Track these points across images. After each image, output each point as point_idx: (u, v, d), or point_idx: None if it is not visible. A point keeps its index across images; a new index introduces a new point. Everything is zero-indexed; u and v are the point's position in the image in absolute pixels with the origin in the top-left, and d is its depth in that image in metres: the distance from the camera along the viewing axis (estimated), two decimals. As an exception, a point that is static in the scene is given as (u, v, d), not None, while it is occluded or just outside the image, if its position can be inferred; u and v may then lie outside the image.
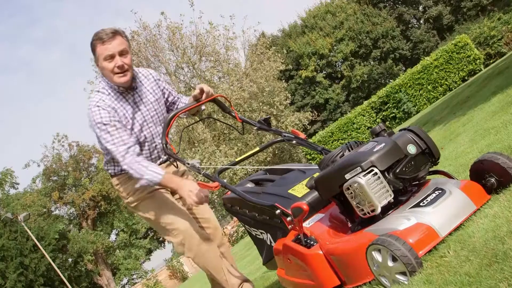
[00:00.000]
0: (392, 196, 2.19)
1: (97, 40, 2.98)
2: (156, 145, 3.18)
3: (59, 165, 34.54)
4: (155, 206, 3.13)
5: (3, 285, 24.14)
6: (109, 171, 3.23)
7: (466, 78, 21.14)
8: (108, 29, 3.01)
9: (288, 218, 2.49)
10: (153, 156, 3.18)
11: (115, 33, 3.00)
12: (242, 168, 18.81)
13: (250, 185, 3.18)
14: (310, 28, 38.69)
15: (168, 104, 3.36)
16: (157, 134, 3.17)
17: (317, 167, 2.69)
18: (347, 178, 2.20)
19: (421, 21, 39.46)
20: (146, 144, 3.13)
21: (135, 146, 3.01)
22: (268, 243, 2.95)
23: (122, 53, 2.99)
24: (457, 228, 2.09)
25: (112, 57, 2.97)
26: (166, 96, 3.33)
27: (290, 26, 40.09)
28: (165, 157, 3.25)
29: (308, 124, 27.18)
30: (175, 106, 3.37)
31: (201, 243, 3.09)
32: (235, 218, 4.03)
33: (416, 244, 1.98)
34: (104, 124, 2.94)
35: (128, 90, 3.09)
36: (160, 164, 3.22)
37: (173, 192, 3.23)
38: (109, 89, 3.05)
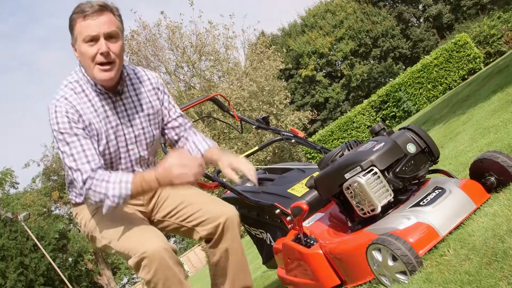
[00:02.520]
0: (392, 195, 2.19)
1: (78, 13, 2.12)
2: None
3: (59, 164, 34.53)
4: (112, 226, 2.23)
5: (3, 284, 24.13)
6: (73, 197, 2.38)
7: (466, 76, 21.15)
8: (96, 1, 2.14)
9: (288, 218, 2.49)
10: None
11: (104, 7, 2.13)
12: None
13: (249, 184, 3.17)
14: (310, 27, 38.70)
15: (164, 125, 2.44)
16: (137, 161, 2.32)
17: (317, 167, 2.68)
18: (346, 177, 2.20)
19: (421, 20, 39.48)
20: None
21: (102, 168, 2.14)
22: (268, 242, 2.95)
23: (110, 36, 2.13)
24: (457, 227, 2.08)
25: (95, 39, 2.11)
26: (164, 114, 2.41)
27: (290, 25, 40.11)
28: None
29: (308, 123, 27.18)
30: (173, 136, 2.46)
31: (167, 266, 2.08)
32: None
33: (416, 243, 1.98)
34: (62, 133, 2.13)
35: (111, 93, 2.23)
36: None
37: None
38: (85, 83, 2.21)
